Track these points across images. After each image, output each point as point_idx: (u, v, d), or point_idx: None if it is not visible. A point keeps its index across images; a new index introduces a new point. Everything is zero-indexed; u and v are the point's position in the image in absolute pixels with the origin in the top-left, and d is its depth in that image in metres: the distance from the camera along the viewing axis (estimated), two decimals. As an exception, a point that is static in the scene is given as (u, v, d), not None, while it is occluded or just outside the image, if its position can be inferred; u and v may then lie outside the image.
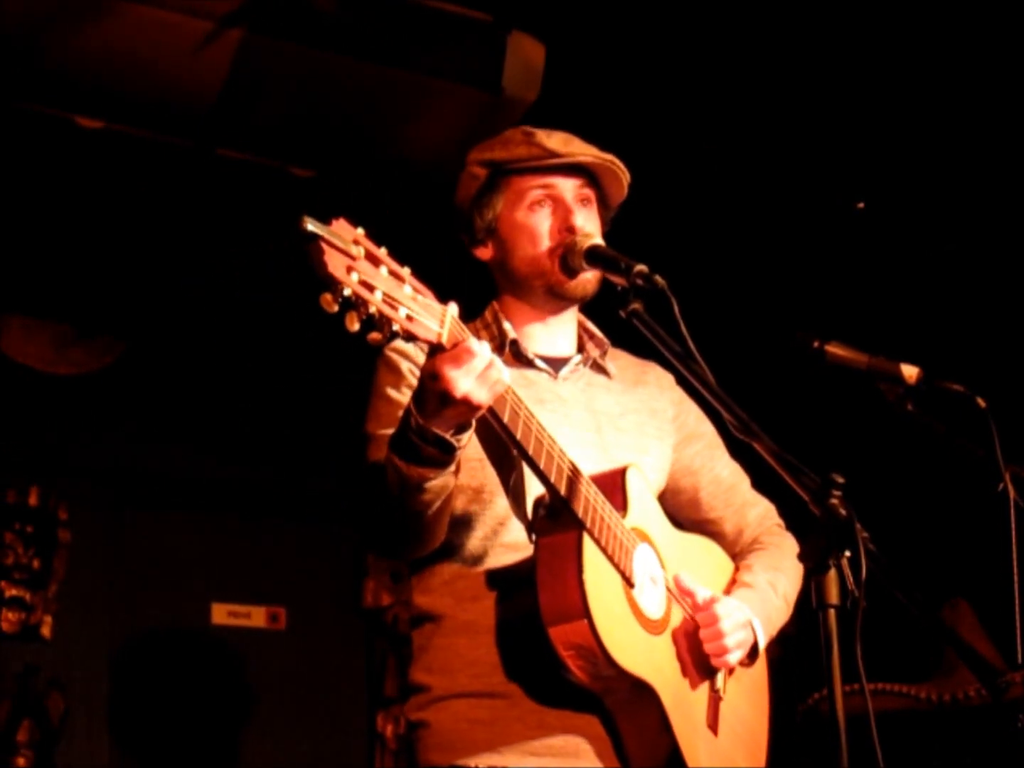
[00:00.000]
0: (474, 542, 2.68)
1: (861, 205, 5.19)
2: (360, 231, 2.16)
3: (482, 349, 2.31)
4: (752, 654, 2.79)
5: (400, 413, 2.50)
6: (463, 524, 2.68)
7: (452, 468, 2.45)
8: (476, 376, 2.30)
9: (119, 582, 5.51)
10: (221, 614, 5.71)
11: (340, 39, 4.41)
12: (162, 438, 5.57)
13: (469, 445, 2.53)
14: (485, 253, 2.86)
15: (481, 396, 2.33)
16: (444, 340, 2.28)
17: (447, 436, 2.37)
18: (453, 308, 2.31)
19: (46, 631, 5.31)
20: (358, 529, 2.67)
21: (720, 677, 2.78)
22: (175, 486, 5.67)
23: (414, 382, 2.67)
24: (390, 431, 2.52)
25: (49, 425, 5.42)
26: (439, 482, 2.43)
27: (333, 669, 5.83)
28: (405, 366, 2.72)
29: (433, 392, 2.33)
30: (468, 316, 2.81)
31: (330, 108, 4.64)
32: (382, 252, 2.19)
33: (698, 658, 2.73)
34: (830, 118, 4.83)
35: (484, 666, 2.62)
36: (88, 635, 5.41)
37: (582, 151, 2.80)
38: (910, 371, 2.85)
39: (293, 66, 4.46)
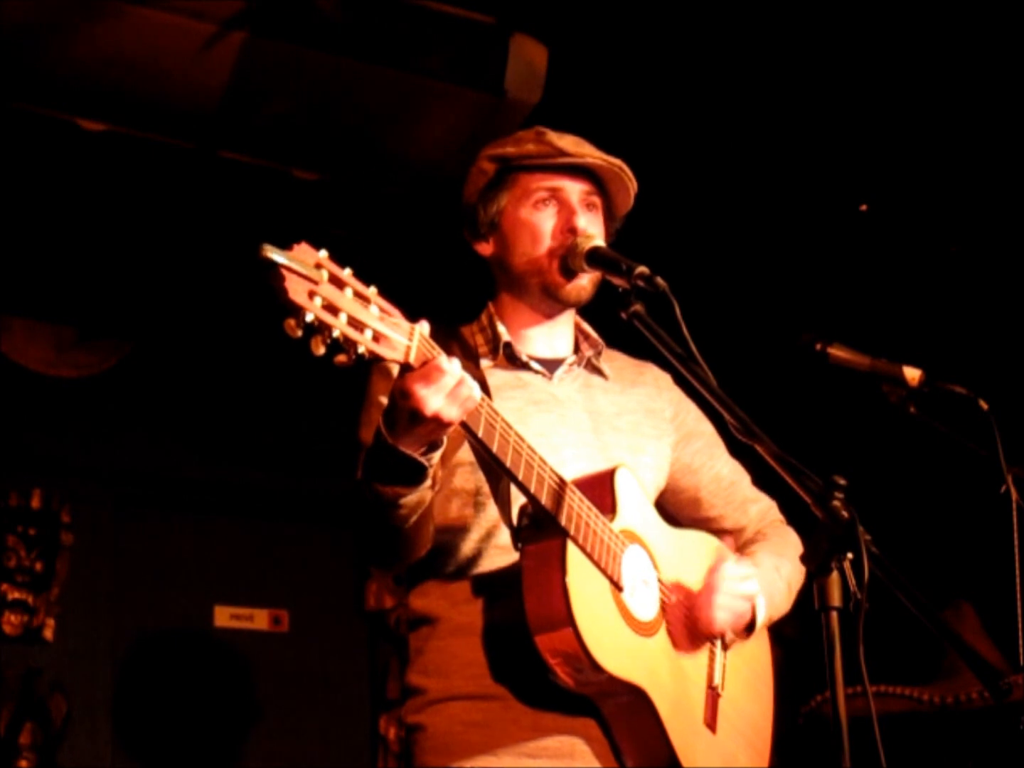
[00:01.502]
0: (469, 545, 2.68)
1: (864, 207, 5.19)
2: (323, 253, 2.16)
3: (452, 367, 2.31)
4: (748, 628, 2.78)
5: None
6: (458, 527, 2.68)
7: (427, 484, 2.45)
8: (446, 394, 2.30)
9: (121, 584, 5.51)
10: (224, 617, 5.71)
11: (343, 41, 4.41)
12: (164, 441, 5.57)
13: (463, 449, 2.53)
14: (486, 248, 2.86)
15: (451, 413, 2.32)
16: (412, 359, 2.28)
17: (416, 456, 2.37)
18: (424, 327, 2.31)
19: (48, 634, 5.30)
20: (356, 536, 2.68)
21: (718, 673, 2.77)
22: (177, 489, 5.67)
23: None
24: None
25: (51, 428, 5.42)
26: (414, 498, 2.45)
27: (336, 672, 5.83)
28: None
29: (403, 410, 2.33)
30: (468, 317, 2.82)
31: (333, 110, 4.65)
32: (346, 274, 2.18)
33: (693, 657, 2.73)
34: (834, 120, 4.83)
35: (479, 667, 2.63)
36: (90, 638, 5.40)
37: (592, 153, 2.80)
38: (912, 373, 2.86)
39: (296, 68, 4.46)
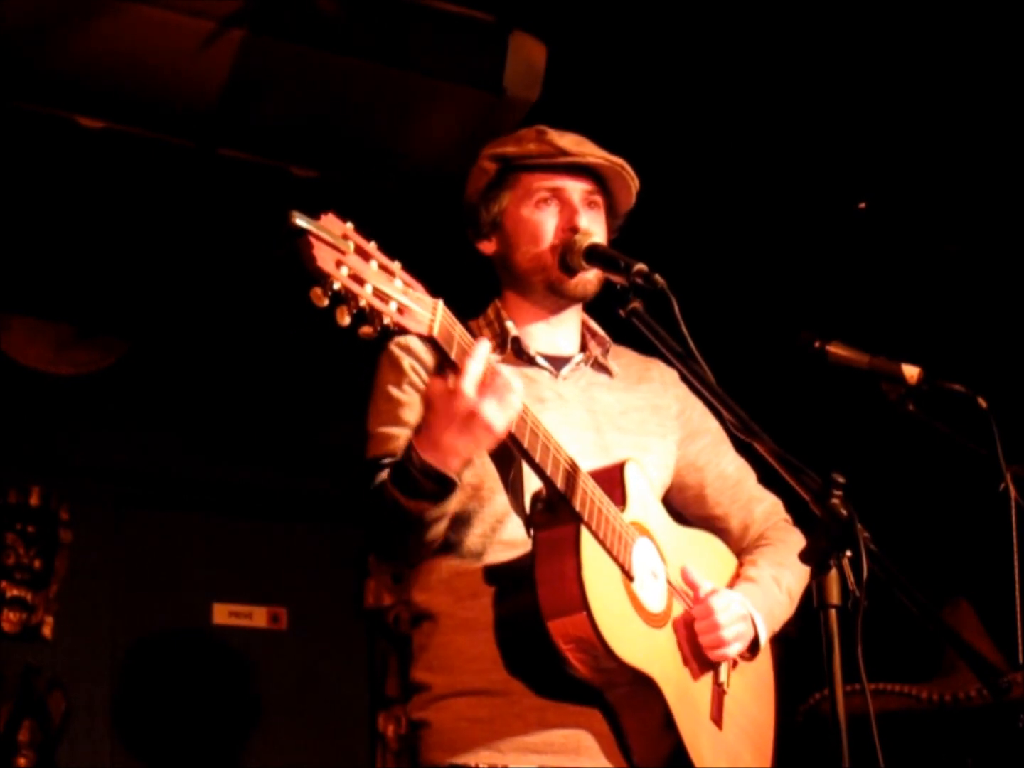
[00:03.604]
0: (473, 539, 2.69)
1: (863, 205, 5.19)
2: (349, 225, 2.17)
3: (513, 380, 2.37)
4: (752, 648, 2.78)
5: (401, 411, 2.52)
6: (462, 521, 2.68)
7: (450, 501, 2.48)
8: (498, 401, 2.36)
9: (120, 582, 5.51)
10: (222, 614, 5.71)
11: (342, 39, 4.41)
12: (163, 438, 5.57)
13: None
14: (489, 247, 2.86)
15: (499, 421, 2.37)
16: (435, 333, 2.29)
17: (449, 474, 2.40)
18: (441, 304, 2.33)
19: (47, 631, 5.31)
20: (361, 526, 2.68)
21: (724, 671, 2.77)
22: (177, 486, 5.67)
23: (415, 379, 2.68)
24: (390, 429, 2.53)
25: (51, 425, 5.42)
26: (436, 512, 2.47)
27: (334, 669, 5.83)
28: (407, 362, 2.72)
29: (456, 414, 2.36)
30: (470, 314, 2.82)
31: (332, 108, 4.64)
32: (372, 246, 2.20)
33: (700, 651, 2.73)
34: (832, 118, 4.82)
35: (484, 662, 2.62)
36: (89, 635, 5.40)
37: (593, 152, 2.81)
38: (911, 371, 2.86)
39: (295, 66, 4.46)
